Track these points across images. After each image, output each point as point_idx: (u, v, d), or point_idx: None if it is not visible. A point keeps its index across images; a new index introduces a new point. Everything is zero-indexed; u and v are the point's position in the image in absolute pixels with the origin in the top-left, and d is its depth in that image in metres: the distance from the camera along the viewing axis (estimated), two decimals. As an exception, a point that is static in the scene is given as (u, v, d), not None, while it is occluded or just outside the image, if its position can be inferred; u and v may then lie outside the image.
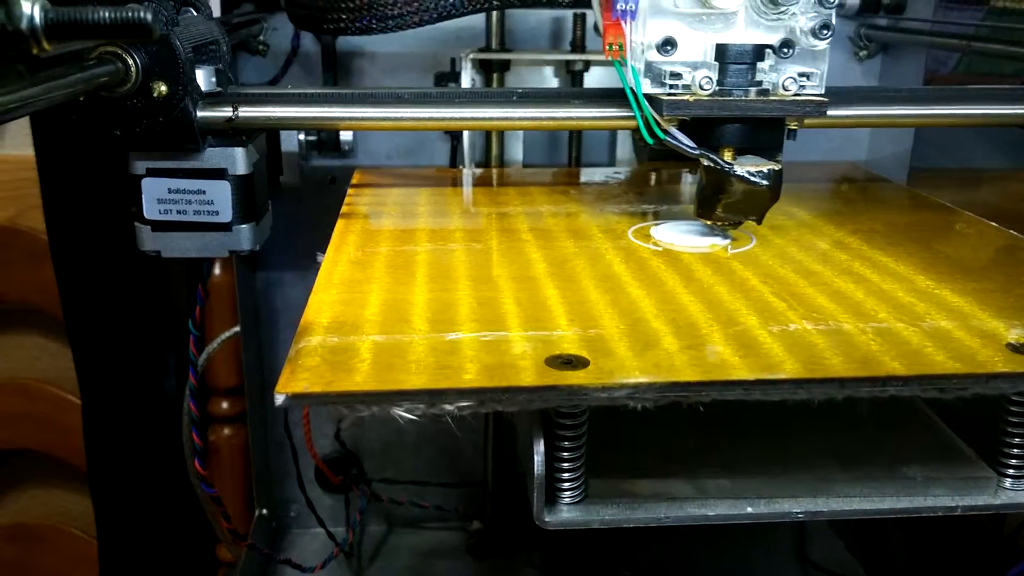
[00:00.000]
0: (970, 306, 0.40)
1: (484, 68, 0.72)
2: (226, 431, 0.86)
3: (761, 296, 0.41)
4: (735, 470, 0.38)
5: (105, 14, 0.25)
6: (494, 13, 0.72)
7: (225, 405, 0.86)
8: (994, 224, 0.53)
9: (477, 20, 0.73)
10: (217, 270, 0.81)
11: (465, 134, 0.72)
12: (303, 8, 0.57)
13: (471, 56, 0.70)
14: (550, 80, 0.75)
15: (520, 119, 0.51)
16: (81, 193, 0.80)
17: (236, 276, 0.76)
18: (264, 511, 0.84)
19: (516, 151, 0.76)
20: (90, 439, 0.86)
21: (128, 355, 0.85)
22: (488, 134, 0.74)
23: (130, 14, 0.25)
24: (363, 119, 0.50)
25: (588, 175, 0.67)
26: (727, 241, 0.49)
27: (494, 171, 0.73)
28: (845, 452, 0.39)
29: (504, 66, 0.73)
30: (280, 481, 0.86)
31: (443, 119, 0.51)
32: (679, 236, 0.50)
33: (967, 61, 0.74)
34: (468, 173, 0.69)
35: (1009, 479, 0.38)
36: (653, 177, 0.65)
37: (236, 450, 0.86)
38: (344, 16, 0.53)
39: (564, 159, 0.78)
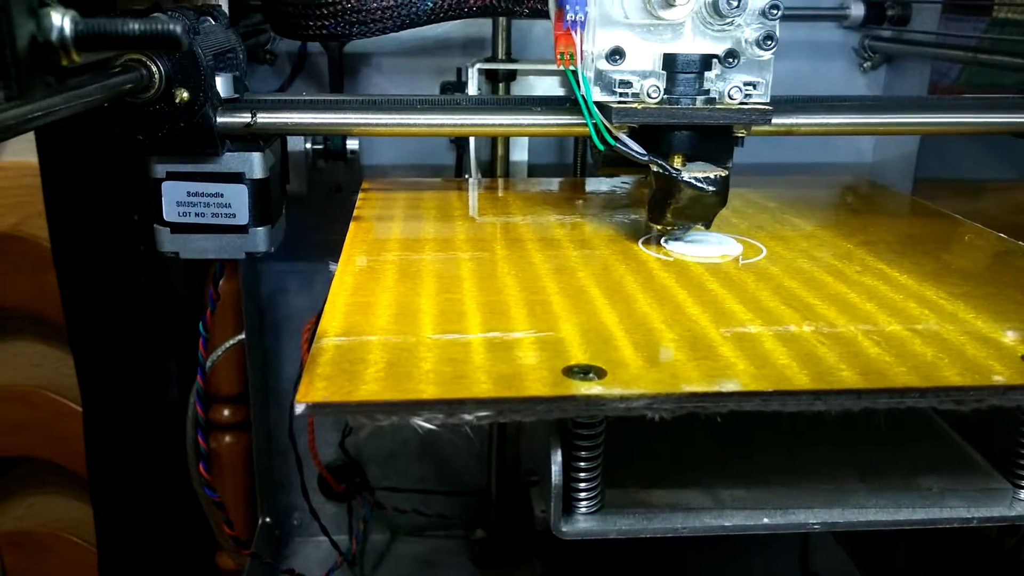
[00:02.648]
0: (983, 318, 0.40)
1: (490, 77, 0.73)
2: (227, 439, 0.86)
3: (775, 308, 0.41)
4: (750, 480, 0.38)
5: (135, 26, 0.25)
6: (501, 23, 0.72)
7: (227, 413, 0.85)
8: (1003, 235, 0.53)
9: (484, 30, 0.73)
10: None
11: (471, 142, 0.73)
12: (278, 15, 0.58)
13: (477, 65, 0.70)
14: (555, 89, 0.75)
15: (485, 126, 0.53)
16: (84, 200, 0.80)
17: (241, 284, 0.76)
18: (267, 519, 0.84)
19: (522, 152, 0.76)
20: (91, 447, 0.86)
21: (130, 363, 0.84)
22: (494, 143, 0.75)
23: (159, 26, 0.25)
24: (376, 125, 0.51)
25: (595, 184, 0.67)
26: (738, 252, 0.49)
27: (500, 180, 0.73)
28: (860, 463, 0.39)
29: (510, 75, 0.73)
30: (283, 489, 0.86)
31: (446, 125, 0.52)
32: (689, 246, 0.50)
33: (970, 73, 0.75)
34: (474, 182, 0.69)
35: (1024, 491, 0.38)
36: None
37: (238, 458, 0.86)
38: (312, 23, 0.54)
39: (570, 158, 0.78)
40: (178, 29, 0.25)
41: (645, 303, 0.41)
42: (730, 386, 0.33)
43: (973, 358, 0.35)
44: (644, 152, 0.47)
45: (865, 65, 0.78)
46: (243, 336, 0.77)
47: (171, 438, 0.78)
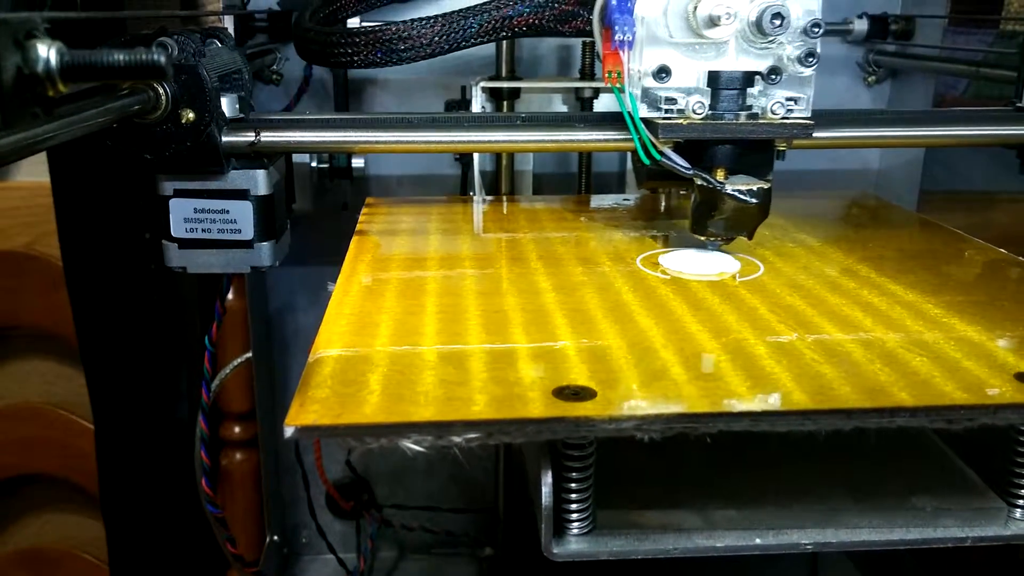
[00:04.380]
0: (979, 335, 0.40)
1: (494, 96, 0.73)
2: (238, 456, 0.87)
3: (769, 325, 0.41)
4: (743, 500, 0.38)
5: (120, 56, 0.25)
6: (504, 43, 0.72)
7: (237, 430, 0.86)
8: (1003, 251, 0.53)
9: (487, 48, 0.74)
10: (230, 295, 0.81)
11: (475, 160, 0.73)
12: (312, 42, 0.58)
13: (481, 84, 0.71)
14: (559, 107, 0.76)
15: (527, 142, 0.53)
16: (96, 219, 0.81)
17: (248, 302, 0.77)
18: (275, 537, 0.84)
19: (526, 161, 0.76)
20: (103, 464, 0.86)
21: (141, 380, 0.85)
22: (498, 154, 0.75)
23: (144, 56, 0.25)
24: (377, 143, 0.52)
25: (597, 201, 0.67)
26: (735, 268, 0.49)
27: (504, 199, 0.73)
28: (854, 482, 0.39)
29: (514, 94, 0.73)
30: (291, 506, 0.86)
31: (454, 142, 0.53)
32: (687, 263, 0.50)
33: (976, 85, 0.75)
34: (478, 200, 0.69)
35: (1019, 509, 0.38)
36: (662, 204, 0.65)
37: (248, 475, 0.86)
38: (352, 51, 0.54)
39: (574, 167, 0.78)
40: (162, 59, 0.25)
41: (641, 322, 0.41)
42: (720, 406, 0.33)
43: (967, 376, 0.35)
44: (689, 166, 0.48)
45: (869, 79, 0.79)
46: (251, 354, 0.77)
47: (182, 455, 0.78)
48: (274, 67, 0.75)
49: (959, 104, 0.77)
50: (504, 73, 0.73)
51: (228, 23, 0.67)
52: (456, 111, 0.75)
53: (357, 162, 0.73)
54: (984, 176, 0.73)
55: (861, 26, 0.76)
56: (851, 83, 0.79)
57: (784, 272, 0.49)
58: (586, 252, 0.53)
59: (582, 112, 0.73)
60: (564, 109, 0.76)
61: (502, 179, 0.76)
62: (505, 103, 0.73)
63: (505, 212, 0.65)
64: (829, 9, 0.78)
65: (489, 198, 0.72)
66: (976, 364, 0.36)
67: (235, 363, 0.78)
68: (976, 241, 0.56)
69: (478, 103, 0.71)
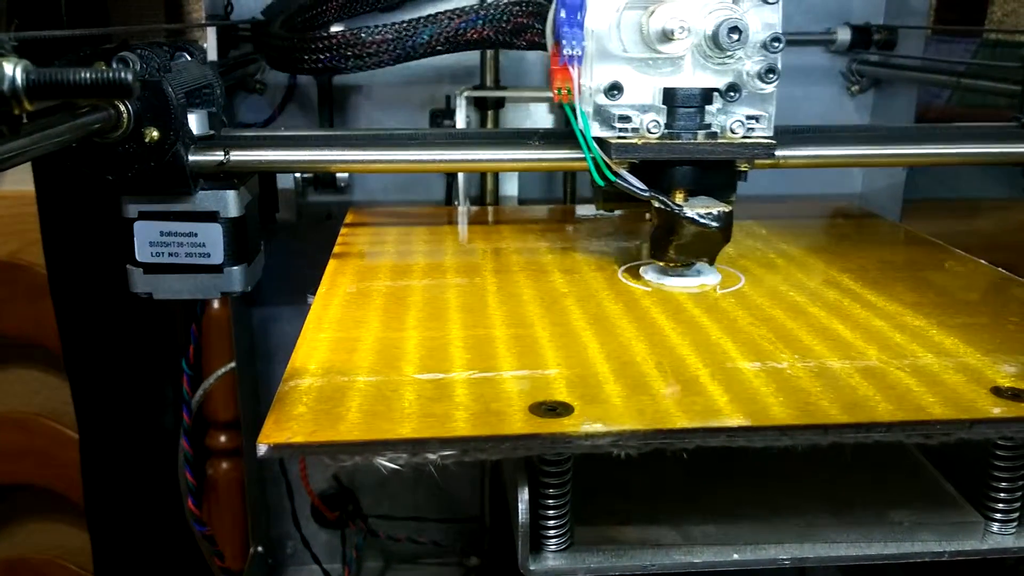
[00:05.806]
0: (957, 347, 0.40)
1: (479, 105, 0.73)
2: (224, 465, 0.86)
3: (749, 338, 0.41)
4: (722, 515, 0.38)
5: (86, 75, 0.25)
6: (488, 52, 0.72)
7: (224, 439, 0.86)
8: (983, 262, 0.53)
9: (472, 59, 0.74)
10: (216, 304, 0.81)
11: (460, 175, 0.73)
12: (272, 48, 0.58)
13: (466, 94, 0.71)
14: (544, 117, 0.76)
15: (478, 161, 0.51)
16: (80, 228, 0.81)
17: (232, 312, 0.77)
18: (260, 548, 0.84)
19: (511, 186, 0.76)
20: (88, 474, 0.86)
21: (126, 389, 0.85)
22: (483, 179, 0.75)
23: (110, 75, 0.25)
24: (353, 161, 0.50)
25: (582, 211, 0.67)
26: (717, 280, 0.49)
27: (489, 209, 0.73)
28: (832, 497, 0.39)
29: (499, 103, 0.73)
30: (276, 517, 0.86)
31: (426, 161, 0.51)
32: (668, 276, 0.50)
33: (959, 95, 0.75)
34: (462, 211, 0.69)
35: (996, 523, 0.38)
36: (646, 214, 0.65)
37: (234, 484, 0.86)
38: (307, 56, 0.54)
39: (559, 192, 0.78)
40: (129, 77, 0.25)
41: (621, 335, 0.41)
42: (698, 421, 0.33)
43: (944, 390, 0.35)
44: (645, 188, 0.45)
45: (853, 89, 0.79)
46: (234, 364, 0.77)
47: (167, 465, 0.78)
48: (258, 76, 0.75)
49: (943, 113, 0.77)
50: (489, 83, 0.73)
51: (211, 34, 0.67)
52: (441, 121, 0.75)
53: (341, 173, 0.73)
54: (968, 183, 0.73)
55: (844, 36, 0.76)
56: (835, 92, 0.79)
57: (765, 283, 0.49)
58: (569, 263, 0.53)
59: (545, 129, 0.72)
60: (549, 119, 0.75)
61: (486, 202, 0.75)
62: (490, 113, 0.73)
63: (489, 223, 0.65)
64: (812, 19, 0.78)
65: (473, 208, 0.71)
66: (955, 376, 0.36)
67: (218, 374, 0.78)
68: (957, 252, 0.56)
69: (462, 113, 0.71)
